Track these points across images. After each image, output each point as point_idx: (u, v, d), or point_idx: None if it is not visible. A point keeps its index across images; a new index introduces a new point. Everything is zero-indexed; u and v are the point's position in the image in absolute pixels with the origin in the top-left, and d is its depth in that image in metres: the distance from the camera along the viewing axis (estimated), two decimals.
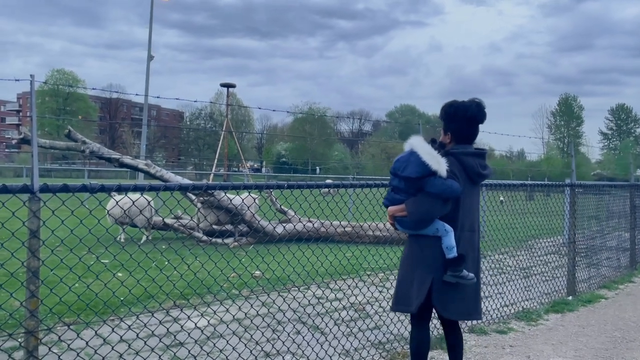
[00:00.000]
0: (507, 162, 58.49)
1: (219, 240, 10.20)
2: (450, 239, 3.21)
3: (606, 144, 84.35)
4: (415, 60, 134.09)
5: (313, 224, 10.73)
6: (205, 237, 10.17)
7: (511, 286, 6.36)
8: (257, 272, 7.58)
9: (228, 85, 44.50)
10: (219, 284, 5.80)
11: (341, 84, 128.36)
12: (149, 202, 10.07)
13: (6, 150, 76.52)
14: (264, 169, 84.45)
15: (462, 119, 3.30)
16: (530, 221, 7.13)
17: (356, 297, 5.17)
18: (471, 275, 3.19)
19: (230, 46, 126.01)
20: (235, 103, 66.30)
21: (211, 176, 34.61)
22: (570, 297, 6.48)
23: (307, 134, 71.05)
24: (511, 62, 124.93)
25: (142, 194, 9.06)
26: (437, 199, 3.07)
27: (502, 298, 6.08)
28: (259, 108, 5.69)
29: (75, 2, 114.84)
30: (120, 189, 2.98)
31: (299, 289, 5.22)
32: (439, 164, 3.07)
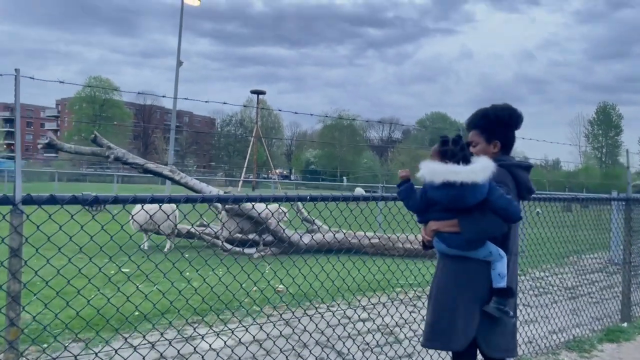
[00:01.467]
0: (542, 172, 56.80)
1: (242, 250, 9.85)
2: (503, 266, 2.73)
3: None
4: (446, 67, 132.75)
5: (344, 235, 10.29)
6: (228, 246, 9.84)
7: (557, 309, 5.76)
8: (281, 287, 7.18)
9: (258, 92, 44.59)
10: (237, 300, 5.41)
11: (370, 92, 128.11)
12: (175, 209, 9.82)
13: (44, 154, 78.64)
14: (292, 176, 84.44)
15: (511, 126, 2.89)
16: (571, 235, 6.51)
17: (383, 319, 4.68)
18: (512, 313, 2.75)
19: (260, 54, 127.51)
20: (265, 110, 66.51)
21: (240, 183, 34.61)
22: (625, 324, 5.83)
23: (337, 141, 70.72)
24: (544, 70, 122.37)
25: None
26: (498, 215, 2.60)
27: (549, 323, 5.50)
28: (295, 112, 5.26)
29: (112, 12, 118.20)
30: (136, 201, 2.58)
31: (327, 306, 4.78)
32: (487, 168, 2.61)
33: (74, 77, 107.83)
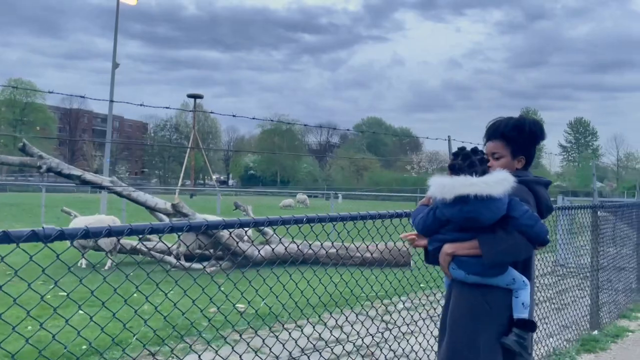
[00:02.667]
0: None
1: (198, 266, 9.22)
2: (527, 295, 2.46)
3: (565, 156, 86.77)
4: (379, 74, 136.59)
5: (297, 247, 9.89)
6: (186, 264, 9.18)
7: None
8: (241, 305, 6.69)
9: (195, 96, 43.10)
10: (195, 327, 4.89)
11: (306, 97, 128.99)
12: (116, 220, 9.03)
13: None
14: (230, 181, 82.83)
15: (538, 143, 2.69)
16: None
17: (358, 334, 4.32)
18: (530, 350, 2.51)
19: (194, 57, 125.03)
20: (201, 114, 64.80)
21: (177, 191, 33.23)
22: (595, 332, 5.85)
23: (276, 146, 70.16)
24: (470, 77, 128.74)
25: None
26: (523, 234, 2.30)
27: None
28: (233, 115, 4.79)
29: (33, 12, 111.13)
30: (111, 234, 1.99)
31: (296, 324, 4.35)
32: (505, 181, 2.31)
33: None
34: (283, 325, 3.57)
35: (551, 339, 5.48)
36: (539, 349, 5.17)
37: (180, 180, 36.83)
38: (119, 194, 9.13)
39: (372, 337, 4.11)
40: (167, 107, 4.67)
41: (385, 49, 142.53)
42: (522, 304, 2.44)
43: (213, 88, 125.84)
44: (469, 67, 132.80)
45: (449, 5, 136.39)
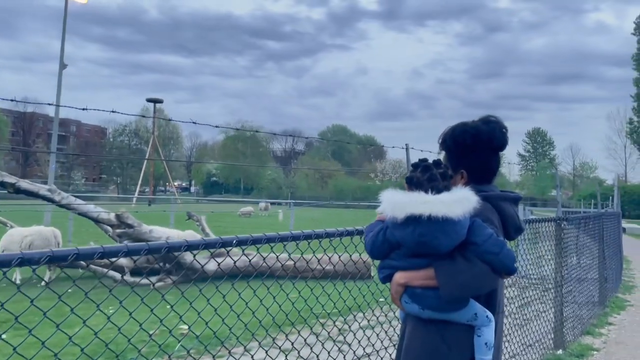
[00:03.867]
0: None
1: (146, 281, 8.57)
2: (491, 332, 2.07)
3: (524, 165, 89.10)
4: (343, 82, 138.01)
5: (248, 260, 9.36)
6: (119, 276, 8.50)
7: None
8: (184, 327, 6.13)
9: (155, 101, 41.82)
10: (126, 351, 4.31)
11: (271, 103, 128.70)
12: (56, 231, 8.29)
13: None
14: (192, 188, 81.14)
15: (485, 150, 2.22)
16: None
17: (318, 357, 3.85)
18: None
19: (156, 62, 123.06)
20: (163, 119, 63.31)
21: (134, 200, 32.05)
22: (560, 351, 5.58)
23: (239, 153, 69.17)
24: (432, 87, 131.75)
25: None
26: (487, 263, 1.91)
27: None
28: (194, 122, 4.29)
29: None
30: (105, 255, 1.75)
31: (245, 348, 3.84)
32: (465, 200, 1.93)
33: None
34: (229, 351, 3.04)
35: None
36: None
37: (138, 187, 35.50)
38: (57, 204, 8.41)
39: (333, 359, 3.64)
40: (113, 111, 4.19)
41: (350, 58, 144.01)
42: (485, 344, 2.05)
43: (176, 93, 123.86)
44: (431, 77, 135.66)
45: (411, 16, 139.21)
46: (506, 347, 5.30)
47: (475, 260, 1.89)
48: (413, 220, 1.89)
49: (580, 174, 75.27)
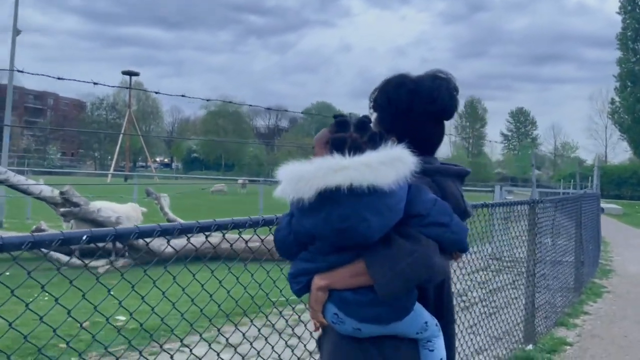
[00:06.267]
0: None
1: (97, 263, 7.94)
2: (442, 345, 1.54)
3: (506, 144, 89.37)
4: (327, 59, 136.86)
5: (207, 240, 8.76)
6: (64, 257, 7.84)
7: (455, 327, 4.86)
8: (121, 319, 5.53)
9: (130, 73, 40.29)
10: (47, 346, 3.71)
11: (254, 80, 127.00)
12: None
13: None
14: (174, 164, 79.88)
15: (425, 113, 1.63)
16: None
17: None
18: None
19: (136, 35, 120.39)
20: (141, 93, 61.65)
21: (109, 176, 31.07)
22: (530, 346, 5.11)
23: (221, 129, 67.96)
24: (417, 66, 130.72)
25: None
26: (435, 240, 1.37)
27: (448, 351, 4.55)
28: (183, 96, 3.70)
29: None
30: (65, 242, 1.54)
31: (181, 342, 3.26)
32: (399, 161, 1.37)
33: None
34: (161, 346, 2.42)
35: (478, 357, 4.67)
36: None
37: (114, 163, 34.41)
38: None
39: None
40: (92, 82, 3.76)
41: (333, 35, 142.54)
42: (441, 359, 1.51)
43: (157, 68, 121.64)
44: (415, 55, 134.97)
45: None
46: (472, 341, 4.81)
47: (419, 237, 1.32)
48: (327, 199, 1.29)
49: (561, 154, 75.75)
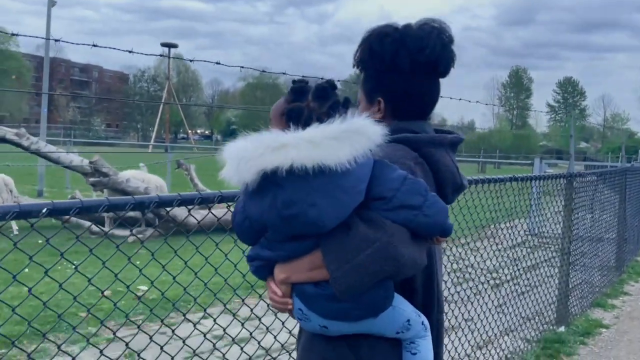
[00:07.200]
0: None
1: (121, 233, 8.06)
2: (429, 347, 1.33)
3: (553, 116, 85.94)
4: (366, 29, 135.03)
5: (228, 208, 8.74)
6: (97, 228, 7.98)
7: (481, 306, 4.61)
8: (143, 288, 5.56)
9: (169, 45, 40.61)
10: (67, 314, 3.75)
11: (292, 51, 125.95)
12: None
13: None
14: (214, 136, 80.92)
15: (415, 67, 1.38)
16: (490, 200, 5.27)
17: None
18: None
19: (176, 7, 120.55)
20: (181, 65, 62.13)
21: (150, 147, 31.66)
22: (562, 328, 4.82)
23: (258, 101, 68.14)
24: (458, 34, 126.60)
25: None
26: (406, 226, 1.15)
27: (475, 331, 4.33)
28: (218, 63, 3.59)
29: None
30: (83, 210, 1.57)
31: (207, 313, 3.18)
32: (356, 133, 1.16)
33: None
34: (184, 315, 2.34)
35: (506, 338, 4.44)
36: (489, 352, 4.14)
37: (154, 134, 35.07)
38: (27, 149, 7.82)
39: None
40: (130, 52, 3.66)
41: (372, 3, 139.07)
42: None
43: (197, 39, 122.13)
44: (457, 23, 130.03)
45: None
46: (501, 320, 4.58)
47: (384, 223, 1.10)
48: (270, 183, 1.11)
49: (611, 126, 72.29)
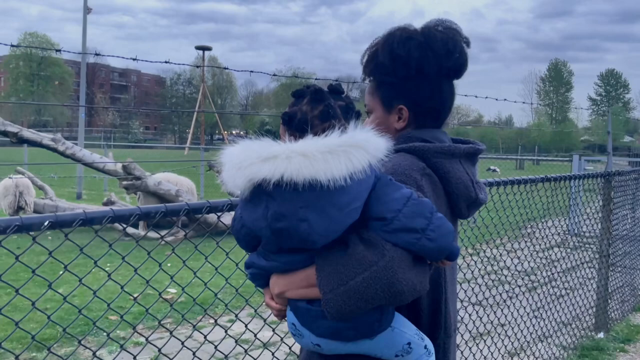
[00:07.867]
0: (496, 130, 57.39)
1: (154, 235, 8.19)
2: None
3: (595, 110, 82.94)
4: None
5: None
6: (132, 229, 8.15)
7: (516, 309, 4.44)
8: (172, 291, 5.61)
9: (204, 48, 41.25)
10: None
11: (325, 50, 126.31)
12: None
13: None
14: (249, 137, 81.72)
15: (440, 72, 1.32)
16: (526, 199, 5.04)
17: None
18: None
19: (210, 11, 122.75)
20: (216, 68, 62.97)
21: (186, 149, 32.24)
22: (601, 334, 4.60)
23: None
24: (493, 28, 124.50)
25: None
26: (408, 250, 1.06)
27: (507, 337, 4.17)
28: (251, 72, 3.75)
29: None
30: (115, 219, 1.59)
31: (237, 316, 3.21)
32: (355, 147, 1.09)
33: (12, 34, 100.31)
34: (216, 320, 2.35)
35: (540, 345, 4.25)
36: (522, 359, 3.97)
37: (190, 136, 35.73)
38: (62, 154, 8.04)
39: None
40: (165, 62, 3.85)
41: (405, 0, 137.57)
42: None
43: (231, 42, 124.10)
44: (492, 17, 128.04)
45: None
46: (536, 326, 4.40)
47: (384, 246, 1.03)
48: (263, 193, 1.06)
49: None
